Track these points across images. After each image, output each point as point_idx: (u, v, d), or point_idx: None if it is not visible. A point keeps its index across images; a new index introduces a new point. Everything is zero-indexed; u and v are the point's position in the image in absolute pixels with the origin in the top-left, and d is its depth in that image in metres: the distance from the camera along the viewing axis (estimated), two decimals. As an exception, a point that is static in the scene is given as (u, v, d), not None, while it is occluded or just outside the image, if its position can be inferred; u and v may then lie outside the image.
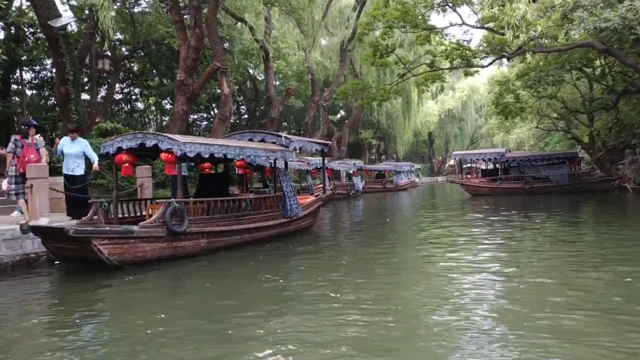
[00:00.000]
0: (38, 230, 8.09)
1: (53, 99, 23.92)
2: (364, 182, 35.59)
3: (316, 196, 13.84)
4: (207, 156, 9.27)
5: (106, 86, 27.63)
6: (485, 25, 18.80)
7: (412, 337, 4.61)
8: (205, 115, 38.18)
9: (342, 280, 7.05)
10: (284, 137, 11.64)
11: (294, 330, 4.84)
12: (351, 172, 33.04)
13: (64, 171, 10.45)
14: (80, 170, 10.62)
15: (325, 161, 28.43)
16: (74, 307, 6.10)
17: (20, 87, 24.29)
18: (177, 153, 8.69)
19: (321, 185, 27.24)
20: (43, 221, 9.37)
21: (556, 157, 26.78)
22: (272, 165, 11.09)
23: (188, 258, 8.82)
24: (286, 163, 11.40)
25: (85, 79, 23.60)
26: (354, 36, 29.36)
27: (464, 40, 20.86)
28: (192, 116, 34.16)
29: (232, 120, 38.44)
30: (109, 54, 23.97)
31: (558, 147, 36.11)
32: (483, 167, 33.27)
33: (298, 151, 13.08)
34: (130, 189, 12.97)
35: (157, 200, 9.79)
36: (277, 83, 37.41)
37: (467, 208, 20.24)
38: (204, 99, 27.72)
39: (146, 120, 35.73)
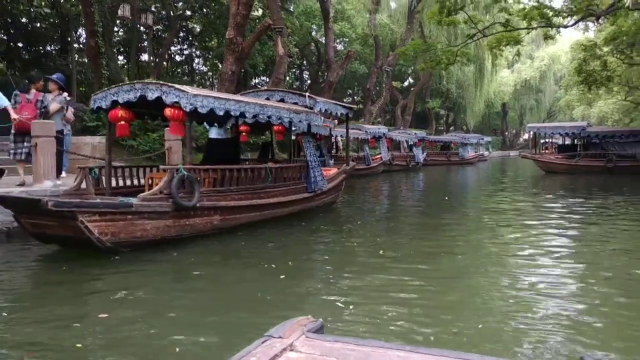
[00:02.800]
0: (7, 202, 6.43)
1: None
2: (425, 153, 33.47)
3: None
4: (221, 113, 7.69)
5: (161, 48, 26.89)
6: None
7: None
8: (266, 80, 37.06)
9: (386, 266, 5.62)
10: (308, 96, 10.05)
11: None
12: (412, 142, 31.10)
13: None
14: None
15: (379, 128, 26.79)
16: (47, 298, 5.04)
17: (75, 45, 23.82)
18: (186, 108, 7.02)
19: (379, 156, 25.90)
20: (47, 185, 8.44)
21: (646, 133, 23.73)
22: (288, 128, 9.59)
23: (196, 238, 7.36)
24: (309, 127, 9.79)
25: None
26: (423, -5, 27.16)
27: (545, -1, 18.33)
28: (253, 80, 33.17)
29: (294, 85, 37.28)
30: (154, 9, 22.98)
31: (647, 123, 32.66)
32: (560, 142, 30.48)
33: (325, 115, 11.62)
34: (158, 152, 11.95)
35: (161, 167, 8.26)
36: (340, 47, 35.60)
37: (539, 187, 18.14)
38: (260, 62, 26.44)
39: (207, 82, 34.97)
